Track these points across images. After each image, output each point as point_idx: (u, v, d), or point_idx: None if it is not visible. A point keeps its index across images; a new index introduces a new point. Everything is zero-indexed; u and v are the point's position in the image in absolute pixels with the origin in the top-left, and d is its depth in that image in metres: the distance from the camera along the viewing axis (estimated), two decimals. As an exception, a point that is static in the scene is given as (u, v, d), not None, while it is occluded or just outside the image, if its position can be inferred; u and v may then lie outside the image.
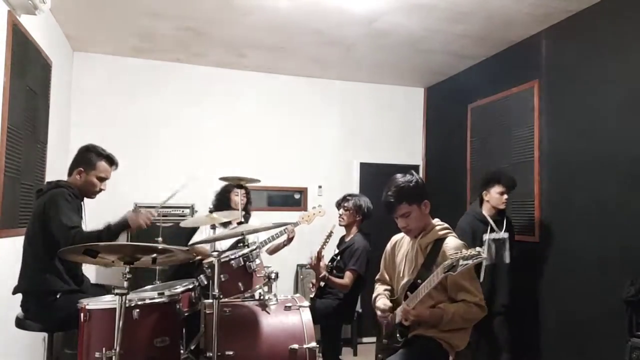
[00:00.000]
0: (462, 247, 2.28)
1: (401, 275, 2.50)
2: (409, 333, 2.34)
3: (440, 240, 2.37)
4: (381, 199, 2.43)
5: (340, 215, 3.79)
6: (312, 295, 3.71)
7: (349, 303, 3.68)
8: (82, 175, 2.74)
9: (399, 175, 2.44)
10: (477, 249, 1.99)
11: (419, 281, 2.28)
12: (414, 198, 2.38)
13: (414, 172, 2.47)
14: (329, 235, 3.60)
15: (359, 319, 4.80)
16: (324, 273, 3.52)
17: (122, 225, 2.67)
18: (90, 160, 2.76)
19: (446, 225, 2.49)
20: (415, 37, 4.34)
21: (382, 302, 2.51)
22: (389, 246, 2.71)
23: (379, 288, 2.69)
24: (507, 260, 3.77)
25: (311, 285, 3.75)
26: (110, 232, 2.60)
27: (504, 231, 3.79)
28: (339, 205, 3.85)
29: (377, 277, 2.78)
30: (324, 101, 5.68)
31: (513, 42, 4.40)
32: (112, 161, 2.82)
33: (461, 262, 1.97)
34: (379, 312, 2.49)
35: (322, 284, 3.64)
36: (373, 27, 4.13)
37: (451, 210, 3.95)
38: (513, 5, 3.64)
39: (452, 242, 2.34)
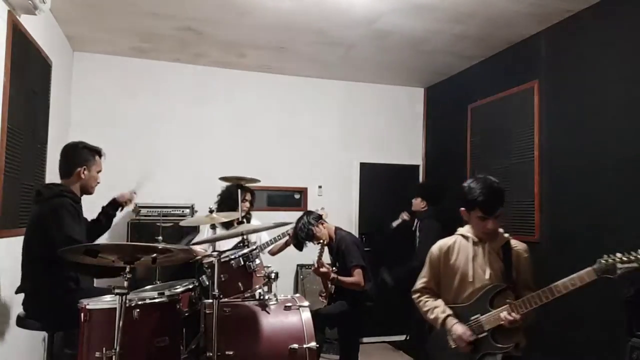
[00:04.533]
0: (526, 247, 2.52)
1: (470, 279, 2.44)
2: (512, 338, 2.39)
3: (507, 243, 2.47)
4: (483, 200, 2.40)
5: (319, 243, 3.61)
6: (324, 305, 3.70)
7: (361, 298, 3.62)
8: (86, 173, 2.78)
9: (494, 179, 2.49)
10: (633, 252, 2.11)
11: (503, 285, 2.37)
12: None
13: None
14: (322, 245, 3.57)
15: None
16: (333, 275, 3.51)
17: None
18: (87, 156, 2.81)
19: None
20: (416, 38, 4.35)
21: (463, 330, 2.37)
22: (438, 252, 2.56)
23: (439, 304, 2.50)
24: None
25: (321, 297, 3.74)
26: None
27: None
28: (306, 241, 3.72)
29: (423, 285, 2.59)
30: (324, 101, 5.68)
31: (513, 42, 4.40)
32: (100, 153, 2.90)
33: (620, 265, 2.12)
34: (459, 341, 2.37)
35: (332, 290, 3.63)
36: (373, 27, 4.13)
37: (451, 211, 3.95)
38: (513, 5, 3.64)
39: (519, 244, 2.51)
